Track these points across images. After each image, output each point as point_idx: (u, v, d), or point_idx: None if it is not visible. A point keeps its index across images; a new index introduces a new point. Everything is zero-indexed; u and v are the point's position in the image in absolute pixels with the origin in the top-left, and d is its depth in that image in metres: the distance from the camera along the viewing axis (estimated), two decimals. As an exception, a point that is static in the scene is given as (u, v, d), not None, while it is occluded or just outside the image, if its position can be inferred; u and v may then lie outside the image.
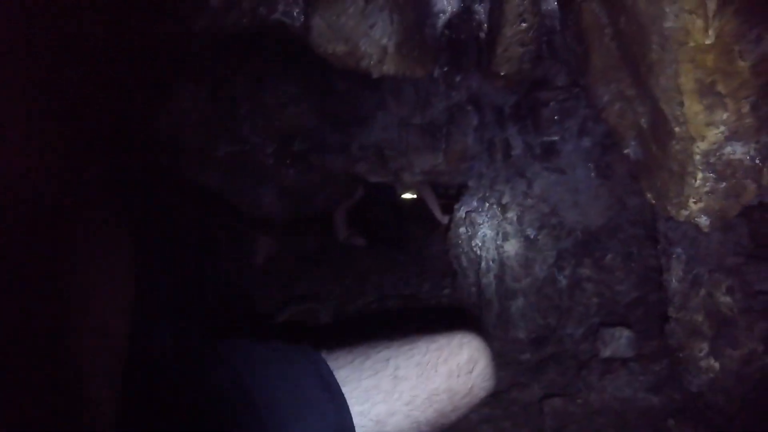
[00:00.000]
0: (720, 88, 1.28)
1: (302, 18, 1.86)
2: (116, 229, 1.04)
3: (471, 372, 1.32)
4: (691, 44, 1.23)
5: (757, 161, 1.39)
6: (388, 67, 1.78)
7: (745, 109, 1.30)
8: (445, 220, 3.67)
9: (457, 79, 2.28)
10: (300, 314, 2.78)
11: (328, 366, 1.26)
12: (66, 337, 0.83)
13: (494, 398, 2.01)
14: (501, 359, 2.23)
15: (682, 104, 1.32)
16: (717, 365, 1.70)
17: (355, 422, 1.20)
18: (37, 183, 0.82)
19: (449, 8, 1.93)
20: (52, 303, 0.82)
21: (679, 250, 1.86)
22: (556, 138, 2.22)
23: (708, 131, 1.34)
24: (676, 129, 1.37)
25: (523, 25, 1.74)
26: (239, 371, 1.19)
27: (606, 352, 2.02)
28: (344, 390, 1.22)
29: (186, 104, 2.50)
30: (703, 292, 1.78)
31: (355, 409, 1.20)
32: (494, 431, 1.87)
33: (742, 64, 1.25)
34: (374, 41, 1.75)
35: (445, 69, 2.24)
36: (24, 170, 0.79)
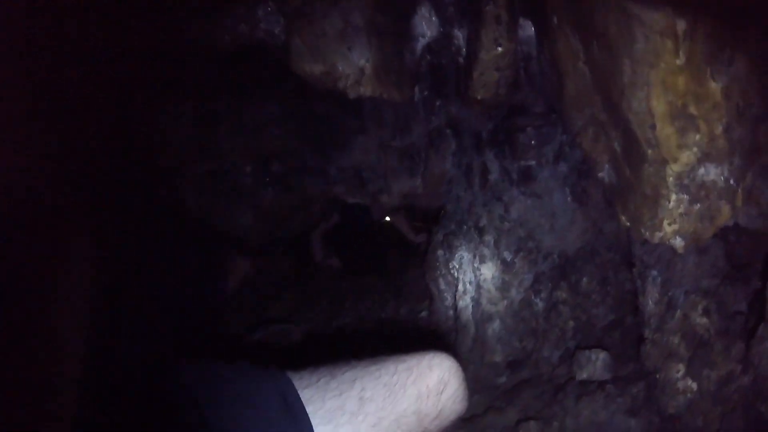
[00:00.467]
0: (692, 110, 1.30)
1: (283, 37, 1.87)
2: (80, 244, 1.02)
3: (441, 393, 1.26)
4: (662, 66, 1.25)
5: (731, 183, 1.42)
6: (365, 89, 1.79)
7: (718, 131, 1.32)
8: (419, 239, 3.68)
9: (437, 104, 2.30)
10: (273, 335, 2.75)
11: (293, 387, 1.21)
12: (20, 345, 0.81)
13: (470, 422, 1.99)
14: (477, 383, 2.22)
15: (654, 127, 1.34)
16: (694, 386, 1.71)
17: None
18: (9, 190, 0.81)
19: (428, 32, 1.95)
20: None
21: (654, 272, 1.87)
22: (532, 163, 2.24)
23: (680, 153, 1.36)
24: (649, 152, 1.39)
25: (499, 49, 1.76)
26: (197, 393, 1.15)
27: (582, 375, 2.02)
28: (308, 410, 1.17)
29: (167, 123, 2.49)
30: (679, 313, 1.79)
31: (319, 429, 1.16)
32: (470, 455, 1.86)
33: (714, 86, 1.27)
34: (352, 63, 1.76)
35: (425, 94, 2.26)
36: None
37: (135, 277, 1.65)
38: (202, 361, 1.28)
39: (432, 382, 1.26)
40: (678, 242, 1.51)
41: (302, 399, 1.18)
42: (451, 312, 2.57)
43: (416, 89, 2.20)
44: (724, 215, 1.47)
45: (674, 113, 1.31)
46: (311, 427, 1.15)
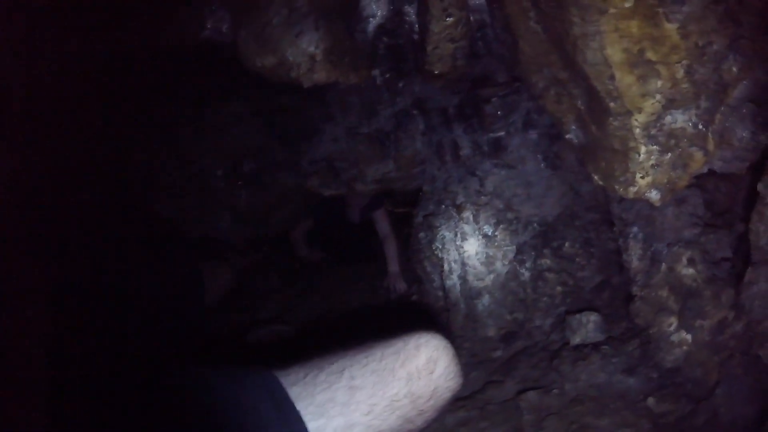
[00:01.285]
0: (650, 55, 1.26)
1: (231, 33, 1.82)
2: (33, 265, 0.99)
3: (432, 373, 1.24)
4: (612, 11, 1.21)
5: (701, 127, 1.38)
6: (319, 75, 1.75)
7: (680, 74, 1.28)
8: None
9: (400, 84, 2.26)
10: (268, 336, 2.71)
11: (281, 385, 1.19)
12: None
13: (470, 399, 1.97)
14: (473, 359, 2.20)
15: (612, 77, 1.30)
16: (689, 338, 1.68)
17: None
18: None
19: (378, 12, 1.91)
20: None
21: (635, 229, 1.85)
22: (501, 133, 2.21)
23: (644, 102, 1.32)
24: (612, 105, 1.36)
25: (449, 19, 1.72)
26: (186, 401, 1.13)
27: (576, 339, 1.99)
28: (298, 407, 1.15)
29: (129, 131, 2.44)
30: (664, 267, 1.76)
31: (311, 425, 1.14)
32: (472, 433, 1.83)
33: (669, 27, 1.23)
34: (301, 50, 1.72)
35: (387, 76, 2.22)
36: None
37: (108, 293, 1.61)
38: (186, 367, 1.25)
39: (421, 362, 1.23)
40: (654, 195, 1.49)
41: (292, 396, 1.16)
42: (440, 292, 2.55)
43: (376, 72, 2.16)
44: (698, 162, 1.43)
45: (632, 61, 1.27)
46: (303, 422, 1.13)
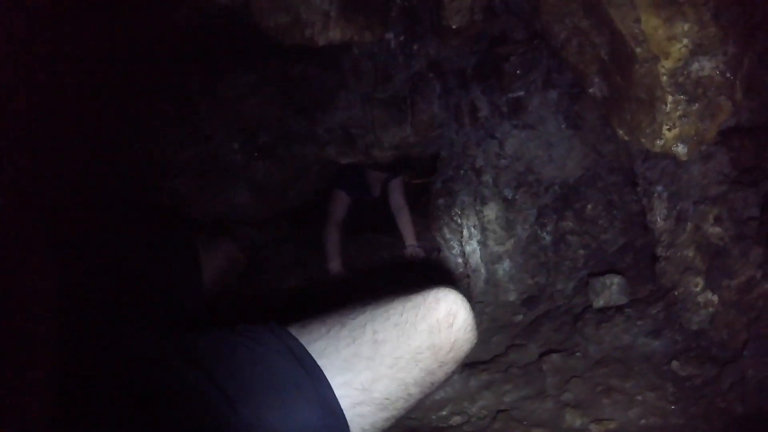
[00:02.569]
0: (676, -4, 1.22)
1: (243, -4, 1.79)
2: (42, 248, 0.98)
3: (452, 325, 1.26)
4: (639, -50, 1.17)
5: (728, 75, 1.34)
6: (333, 33, 1.71)
7: (707, 17, 1.24)
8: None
9: (415, 47, 2.22)
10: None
11: (298, 342, 1.21)
12: None
13: (492, 363, 1.95)
14: (495, 323, 2.18)
15: (638, 20, 1.25)
16: (715, 298, 1.64)
17: (339, 393, 1.15)
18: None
19: (393, -33, 1.86)
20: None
21: (660, 187, 1.80)
22: (521, 93, 2.16)
23: (671, 47, 1.28)
24: (637, 50, 1.31)
25: (469, -29, 1.67)
26: (208, 365, 1.13)
27: (599, 302, 1.96)
28: (323, 362, 1.17)
29: (144, 115, 2.43)
30: (690, 226, 1.72)
31: (337, 380, 1.16)
32: (495, 396, 1.80)
33: (696, -34, 1.19)
34: (315, 7, 1.68)
35: (402, 39, 2.18)
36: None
37: (136, 278, 1.62)
38: (204, 331, 1.25)
39: (441, 315, 1.25)
40: (680, 149, 1.44)
41: (316, 351, 1.19)
42: (459, 259, 2.52)
43: (390, 34, 2.12)
44: (725, 112, 1.39)
45: (658, 2, 1.22)
46: (325, 377, 1.16)
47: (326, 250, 3.17)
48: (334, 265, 3.12)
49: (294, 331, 1.25)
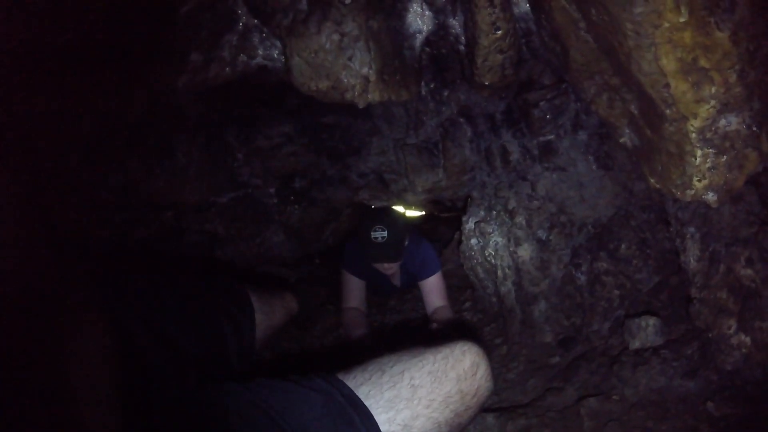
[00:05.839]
0: (703, 62, 1.27)
1: (283, 59, 1.87)
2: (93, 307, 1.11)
3: (475, 374, 1.50)
4: (666, 25, 1.23)
5: (754, 128, 1.38)
6: (373, 96, 1.79)
7: (732, 78, 1.29)
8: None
9: (445, 94, 2.28)
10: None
11: (347, 386, 1.41)
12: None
13: (530, 407, 1.98)
14: (531, 365, 2.21)
15: (668, 86, 1.31)
16: (748, 340, 1.67)
17: (383, 429, 1.35)
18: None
19: (425, 27, 1.93)
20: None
21: (692, 229, 1.84)
22: (551, 137, 2.21)
23: (699, 108, 1.33)
24: (667, 111, 1.36)
25: (498, 32, 1.74)
26: (269, 410, 1.32)
27: (635, 344, 1.99)
28: (368, 403, 1.37)
29: (182, 160, 2.52)
30: (722, 267, 1.75)
31: (382, 417, 1.36)
32: (534, 441, 1.84)
33: (721, 35, 1.24)
34: (355, 72, 1.75)
35: (432, 86, 2.24)
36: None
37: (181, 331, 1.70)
38: (260, 379, 1.45)
39: (467, 365, 1.49)
40: (711, 196, 1.48)
41: (362, 394, 1.40)
42: (494, 299, 2.56)
43: (422, 85, 2.19)
44: (753, 162, 1.43)
45: (685, 69, 1.28)
46: (372, 416, 1.36)
47: (348, 332, 2.92)
48: (358, 336, 2.86)
49: (341, 376, 1.46)
